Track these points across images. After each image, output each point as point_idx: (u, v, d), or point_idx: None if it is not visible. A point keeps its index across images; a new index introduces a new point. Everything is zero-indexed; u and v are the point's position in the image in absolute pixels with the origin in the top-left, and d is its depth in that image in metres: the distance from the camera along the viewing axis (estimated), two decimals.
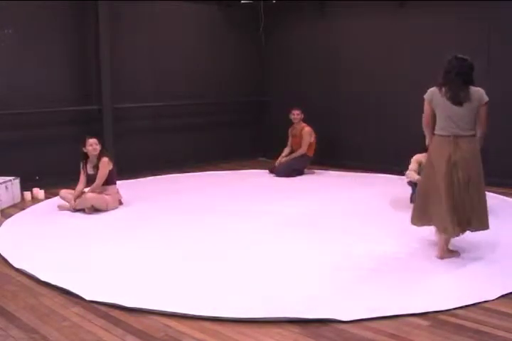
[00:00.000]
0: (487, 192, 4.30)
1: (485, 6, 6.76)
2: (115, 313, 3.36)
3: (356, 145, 8.44)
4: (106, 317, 3.32)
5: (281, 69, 9.28)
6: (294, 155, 7.96)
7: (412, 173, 5.68)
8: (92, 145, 5.81)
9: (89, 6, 7.40)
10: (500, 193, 6.37)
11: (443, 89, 4.07)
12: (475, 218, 4.10)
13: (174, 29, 8.44)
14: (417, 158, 5.77)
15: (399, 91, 7.72)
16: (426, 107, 4.19)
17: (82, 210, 5.76)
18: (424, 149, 4.66)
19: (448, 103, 4.03)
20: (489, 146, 6.62)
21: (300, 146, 7.91)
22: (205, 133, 8.91)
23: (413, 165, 5.78)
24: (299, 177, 7.75)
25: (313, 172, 8.04)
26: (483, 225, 4.16)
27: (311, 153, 7.97)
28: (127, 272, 4.02)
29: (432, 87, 4.19)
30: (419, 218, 4.29)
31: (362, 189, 6.80)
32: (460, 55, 4.11)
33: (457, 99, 4.01)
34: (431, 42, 7.26)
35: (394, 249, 4.43)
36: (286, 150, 8.14)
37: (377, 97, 8.07)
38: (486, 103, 4.05)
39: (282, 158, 8.03)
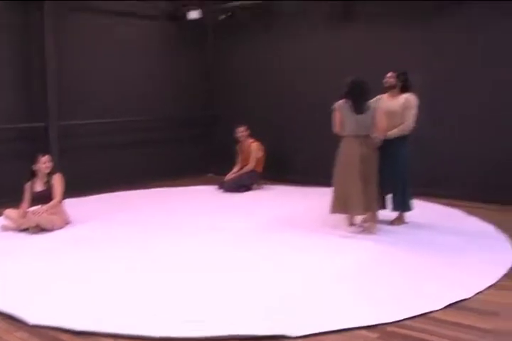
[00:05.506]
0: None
1: (427, 23, 7.01)
2: (63, 337, 3.26)
3: (304, 159, 8.48)
4: None
5: (230, 84, 9.31)
6: (242, 171, 7.99)
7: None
8: (46, 163, 5.77)
9: (34, 18, 7.22)
10: (444, 204, 6.56)
11: (349, 103, 5.26)
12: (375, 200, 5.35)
13: (123, 44, 8.34)
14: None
15: None
16: (337, 115, 5.36)
17: (26, 230, 5.61)
18: None
19: (353, 113, 5.25)
20: (434, 158, 6.87)
21: (249, 162, 7.96)
22: (153, 149, 8.82)
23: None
24: (247, 193, 7.77)
25: (261, 188, 8.08)
26: (376, 208, 5.41)
27: (259, 169, 8.01)
28: (73, 293, 3.91)
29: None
30: (338, 207, 5.40)
31: (308, 203, 6.85)
32: (357, 78, 5.27)
33: (359, 110, 5.24)
34: (375, 58, 7.39)
35: (340, 262, 4.49)
36: (236, 168, 8.15)
37: (322, 112, 8.15)
38: (375, 109, 5.27)
39: (231, 175, 8.05)
